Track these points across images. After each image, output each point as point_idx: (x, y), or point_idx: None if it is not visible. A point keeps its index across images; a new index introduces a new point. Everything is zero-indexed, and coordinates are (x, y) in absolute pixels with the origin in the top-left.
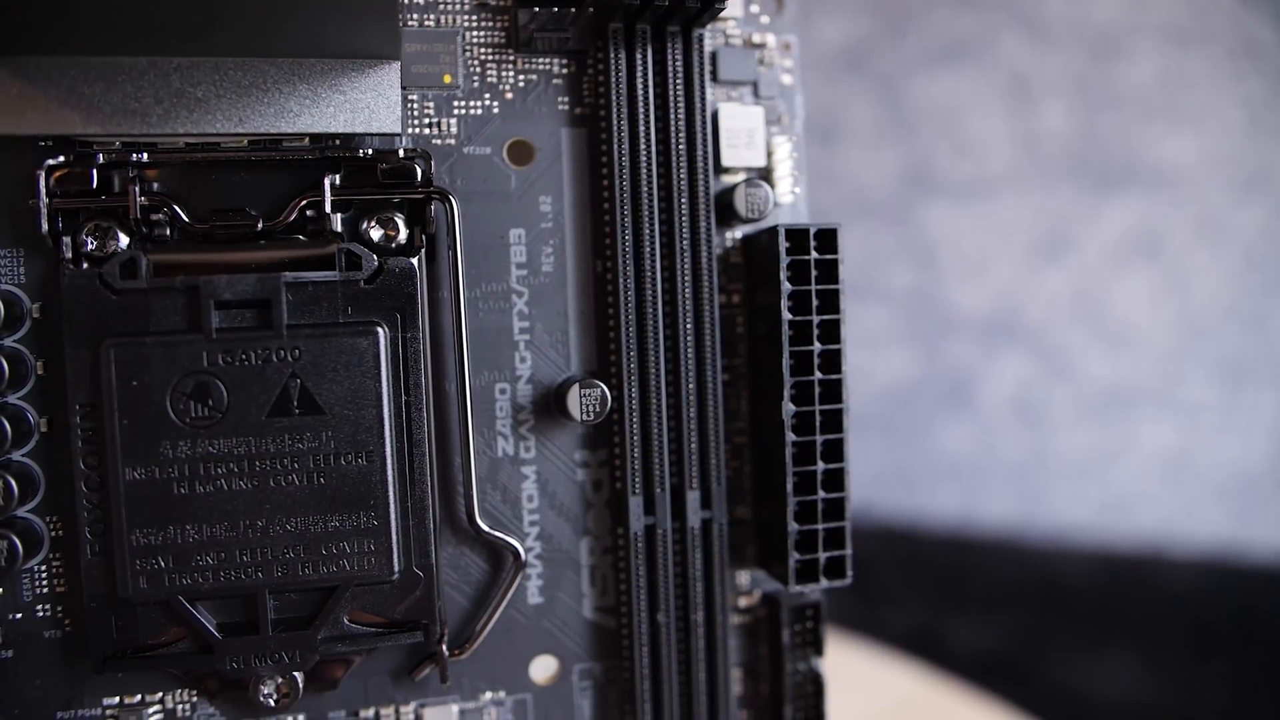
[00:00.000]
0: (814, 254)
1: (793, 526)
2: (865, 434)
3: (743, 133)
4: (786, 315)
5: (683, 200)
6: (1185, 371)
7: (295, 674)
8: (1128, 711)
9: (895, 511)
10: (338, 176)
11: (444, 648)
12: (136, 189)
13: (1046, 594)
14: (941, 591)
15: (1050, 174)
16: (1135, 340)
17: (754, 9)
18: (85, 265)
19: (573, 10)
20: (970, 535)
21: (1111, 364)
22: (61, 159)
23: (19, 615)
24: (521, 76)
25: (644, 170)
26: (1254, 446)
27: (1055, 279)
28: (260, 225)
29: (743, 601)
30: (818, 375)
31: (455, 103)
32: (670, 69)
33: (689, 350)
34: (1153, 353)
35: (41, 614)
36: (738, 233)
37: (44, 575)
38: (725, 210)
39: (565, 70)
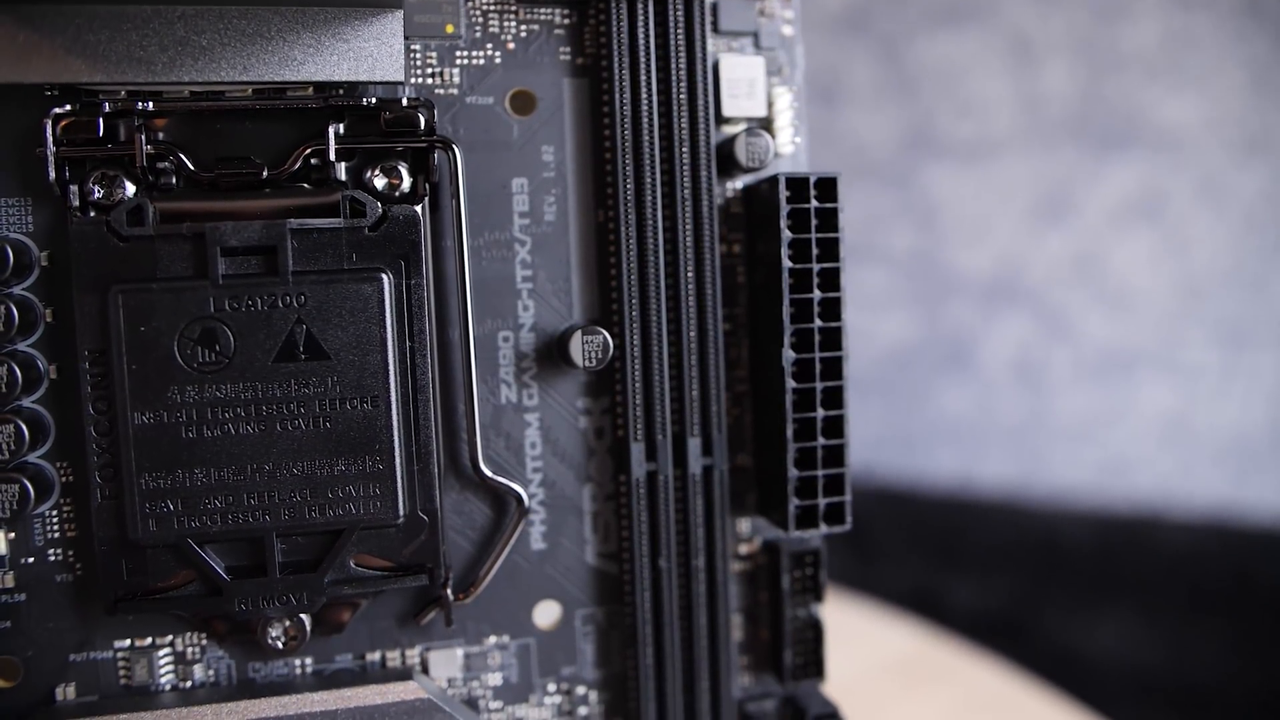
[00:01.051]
0: (814, 202)
1: (793, 472)
2: (866, 396)
3: (743, 83)
4: (786, 263)
5: (684, 150)
6: (1185, 334)
7: (303, 616)
8: (1124, 670)
9: (895, 473)
10: (341, 125)
11: (448, 592)
12: (142, 137)
13: (1045, 555)
14: (941, 552)
15: (1052, 135)
16: (1135, 303)
17: None
18: (92, 214)
19: None
20: (969, 497)
21: (1111, 326)
22: (68, 108)
23: (31, 559)
24: (523, 27)
25: (645, 120)
26: (1253, 409)
27: (1056, 241)
28: (265, 174)
29: (743, 548)
30: (818, 323)
31: (457, 53)
32: (671, 19)
33: (690, 298)
34: (1153, 315)
35: (53, 558)
36: (738, 183)
37: (55, 520)
38: (726, 160)
39: (566, 21)
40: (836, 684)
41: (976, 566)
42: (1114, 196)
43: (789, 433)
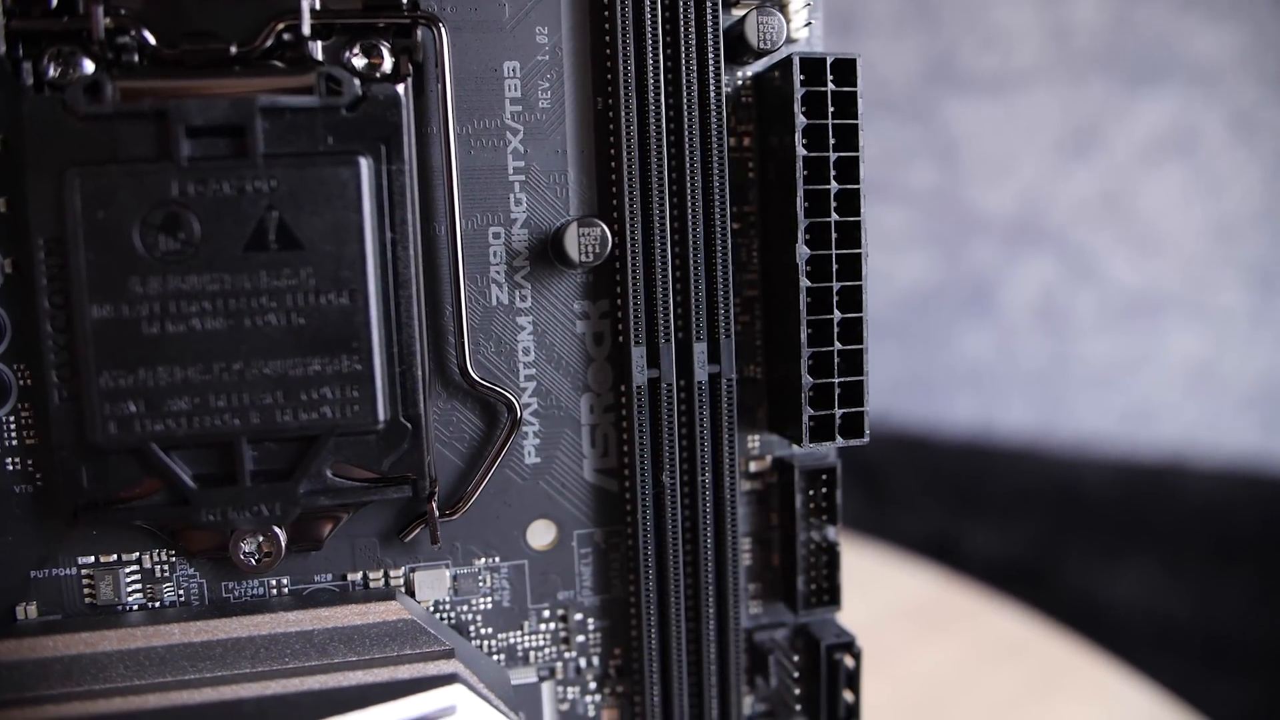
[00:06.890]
0: (831, 86)
1: (807, 380)
2: (883, 339)
3: None
4: (800, 151)
5: (689, 31)
6: (1214, 277)
7: (277, 530)
8: (1148, 617)
9: (913, 418)
10: None
11: (434, 506)
12: (100, 10)
13: (1066, 503)
14: (959, 498)
15: (1080, 68)
16: (1164, 244)
17: None
18: (48, 93)
19: None
20: (989, 443)
21: (1138, 269)
22: None
23: None
24: None
25: None
26: None
27: (1082, 179)
28: (234, 51)
29: (753, 466)
30: (834, 217)
31: None
32: None
33: (696, 191)
34: (1181, 257)
35: (11, 467)
36: (748, 71)
37: (12, 426)
38: (735, 45)
39: None
40: (852, 627)
41: (996, 513)
42: (1143, 133)
43: (803, 337)
